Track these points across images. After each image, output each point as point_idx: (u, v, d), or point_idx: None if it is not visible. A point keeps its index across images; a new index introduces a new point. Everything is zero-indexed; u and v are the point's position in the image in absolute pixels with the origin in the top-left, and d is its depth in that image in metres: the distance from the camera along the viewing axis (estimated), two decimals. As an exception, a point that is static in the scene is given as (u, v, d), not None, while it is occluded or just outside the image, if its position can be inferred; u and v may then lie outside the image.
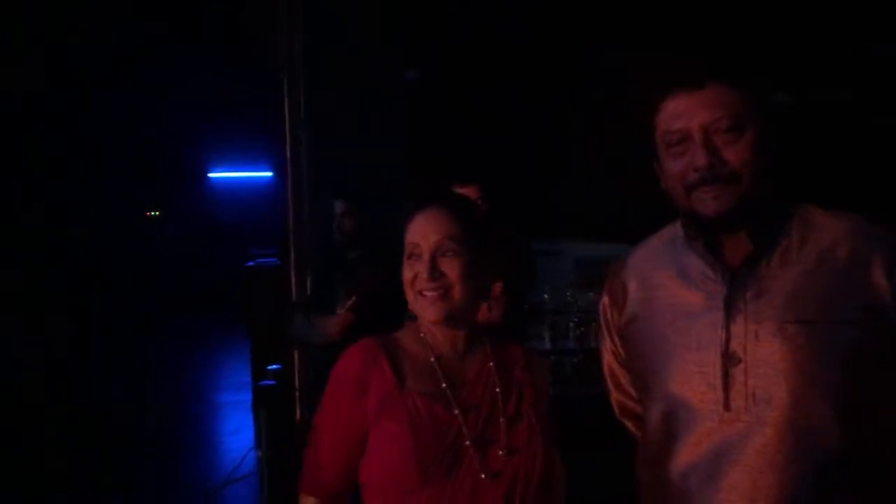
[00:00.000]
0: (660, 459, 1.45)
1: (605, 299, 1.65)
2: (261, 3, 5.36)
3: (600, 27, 5.61)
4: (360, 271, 3.56)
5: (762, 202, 1.40)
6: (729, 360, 1.37)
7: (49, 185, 12.15)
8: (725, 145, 1.38)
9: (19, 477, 5.19)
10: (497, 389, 1.58)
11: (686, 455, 1.40)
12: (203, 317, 12.39)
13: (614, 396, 1.69)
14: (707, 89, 1.39)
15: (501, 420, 1.56)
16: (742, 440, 1.34)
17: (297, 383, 4.58)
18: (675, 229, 1.55)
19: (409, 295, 1.59)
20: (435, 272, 1.54)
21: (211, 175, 15.82)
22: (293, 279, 4.70)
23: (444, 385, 1.56)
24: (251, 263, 7.06)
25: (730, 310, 1.39)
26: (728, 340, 1.38)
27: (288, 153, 4.71)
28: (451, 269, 1.55)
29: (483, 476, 1.49)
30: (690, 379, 1.41)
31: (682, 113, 1.40)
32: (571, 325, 3.73)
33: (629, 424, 1.68)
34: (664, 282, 1.51)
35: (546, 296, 3.80)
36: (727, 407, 1.36)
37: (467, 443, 1.51)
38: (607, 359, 1.68)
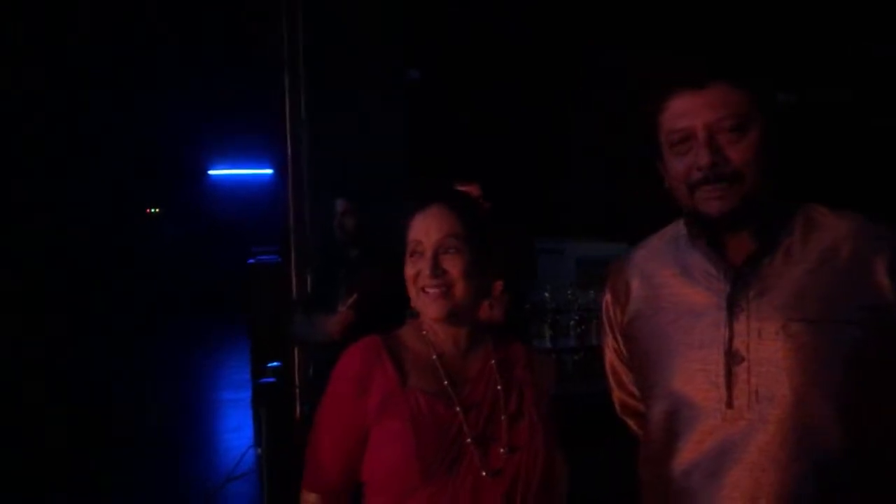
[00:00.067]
0: (662, 457, 1.45)
1: (608, 297, 1.65)
2: (262, 2, 5.37)
3: (600, 27, 5.61)
4: (361, 270, 3.56)
5: (765, 201, 1.40)
6: (732, 358, 1.38)
7: (49, 185, 12.15)
8: (729, 144, 1.38)
9: (19, 477, 5.19)
10: (499, 387, 1.59)
11: (688, 453, 1.40)
12: (203, 315, 12.41)
13: (616, 394, 1.69)
14: (711, 89, 1.39)
15: (503, 418, 1.56)
16: (744, 438, 1.35)
17: (296, 381, 4.58)
18: (677, 228, 1.55)
19: (412, 292, 1.59)
20: (437, 269, 1.55)
21: (211, 173, 15.81)
22: (294, 277, 4.71)
23: (445, 383, 1.56)
24: (252, 261, 7.06)
25: (733, 308, 1.39)
26: (731, 339, 1.38)
27: (289, 152, 4.71)
28: (454, 266, 1.55)
29: (484, 474, 1.49)
30: (693, 377, 1.41)
31: (686, 112, 1.41)
32: (572, 323, 3.75)
33: (630, 422, 1.68)
34: (667, 280, 1.51)
35: (547, 294, 3.80)
36: (730, 405, 1.37)
37: (468, 440, 1.51)
38: (609, 356, 1.68)
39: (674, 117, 1.43)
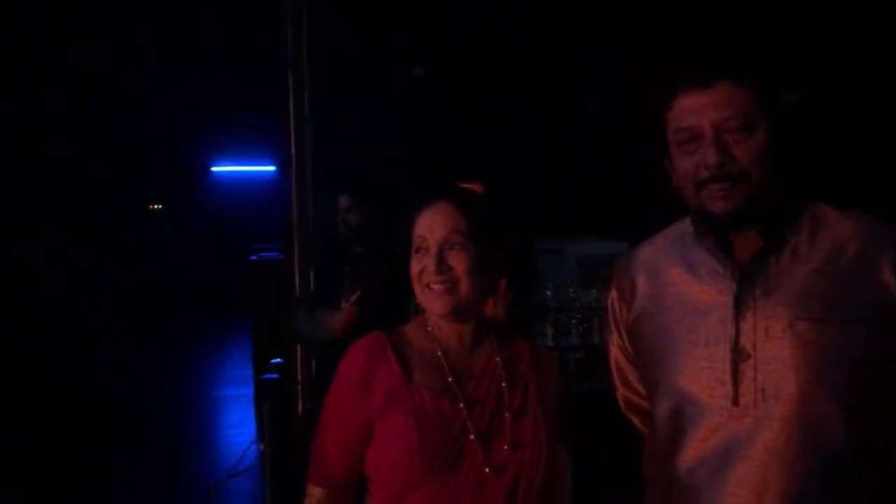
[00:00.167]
0: (667, 455, 1.45)
1: (613, 294, 1.65)
2: (265, 1, 5.37)
3: (600, 27, 5.62)
4: (365, 267, 3.56)
5: (771, 200, 1.41)
6: (738, 355, 1.38)
7: (49, 185, 12.14)
8: (736, 144, 1.38)
9: (19, 477, 5.18)
10: (503, 384, 1.59)
11: (693, 450, 1.41)
12: (205, 312, 12.40)
13: (620, 392, 1.69)
14: (718, 88, 1.40)
15: (507, 415, 1.56)
16: (750, 436, 1.35)
17: (299, 377, 4.59)
18: (683, 226, 1.55)
19: (417, 288, 1.59)
20: (442, 266, 1.55)
21: (213, 169, 15.79)
22: (296, 274, 4.71)
23: (450, 379, 1.56)
24: (254, 258, 7.06)
25: (739, 306, 1.40)
26: (737, 336, 1.39)
27: (293, 150, 4.72)
28: (458, 262, 1.55)
29: (487, 470, 1.50)
30: (699, 375, 1.42)
31: (693, 111, 1.41)
32: (574, 321, 3.75)
33: (635, 420, 1.68)
34: (673, 278, 1.51)
35: (549, 293, 3.81)
36: (736, 402, 1.37)
37: (472, 437, 1.51)
38: (614, 353, 1.68)
39: (681, 116, 1.43)
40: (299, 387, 4.52)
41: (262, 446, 4.97)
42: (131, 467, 5.61)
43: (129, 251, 14.23)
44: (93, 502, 5.01)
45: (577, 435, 1.78)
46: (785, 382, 1.34)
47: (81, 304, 11.45)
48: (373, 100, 4.73)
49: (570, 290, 3.84)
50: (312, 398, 4.32)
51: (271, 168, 14.19)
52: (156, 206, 16.15)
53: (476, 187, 2.76)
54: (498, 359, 1.62)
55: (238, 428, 6.39)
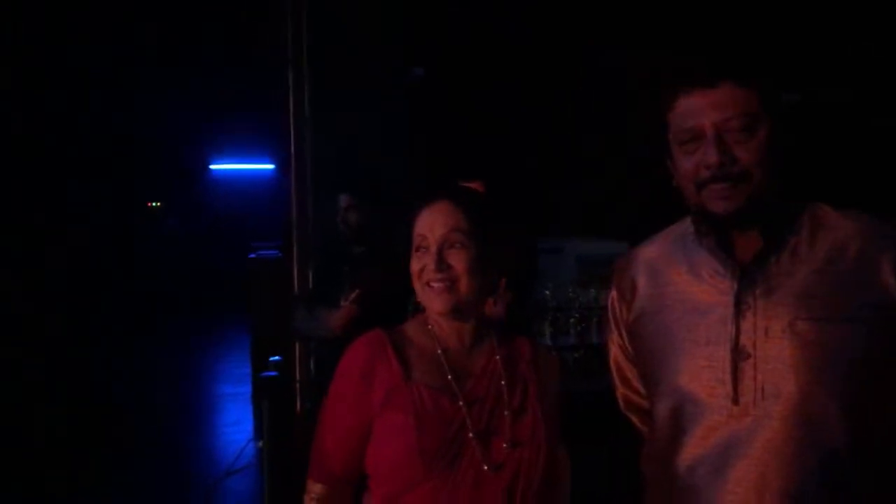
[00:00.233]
0: (667, 454, 1.46)
1: (614, 294, 1.65)
2: (266, 1, 5.38)
3: (600, 27, 5.62)
4: (364, 267, 3.55)
5: (771, 200, 1.41)
6: (738, 355, 1.38)
7: (49, 185, 12.14)
8: (737, 144, 1.38)
9: (19, 477, 5.18)
10: (502, 382, 1.59)
11: (693, 449, 1.41)
12: (203, 310, 12.40)
13: (619, 391, 1.69)
14: (720, 88, 1.40)
15: (506, 413, 1.56)
16: (750, 434, 1.35)
17: (297, 376, 4.59)
18: (684, 226, 1.56)
19: (417, 286, 1.60)
20: (442, 264, 1.55)
21: (212, 167, 15.79)
22: (295, 273, 4.71)
23: (449, 377, 1.57)
24: (253, 256, 7.07)
25: (740, 306, 1.40)
26: (738, 336, 1.39)
27: (293, 149, 4.72)
28: (458, 261, 1.56)
29: (486, 468, 1.50)
30: (700, 374, 1.42)
31: (695, 111, 1.41)
32: (572, 321, 3.75)
33: (634, 418, 1.68)
34: (674, 277, 1.52)
35: (548, 293, 3.81)
36: (736, 401, 1.37)
37: (471, 435, 1.51)
38: (614, 353, 1.68)
39: (682, 116, 1.43)
40: (298, 385, 4.52)
41: (259, 444, 4.98)
42: (129, 465, 5.61)
43: (127, 249, 14.22)
44: (91, 501, 5.01)
45: (575, 434, 1.78)
46: (785, 382, 1.34)
47: (80, 304, 11.45)
48: (373, 99, 4.73)
49: (569, 290, 3.84)
50: (311, 396, 4.32)
51: (270, 166, 14.19)
52: (154, 204, 16.16)
53: (477, 186, 2.76)
54: (498, 357, 1.62)
55: (236, 426, 6.40)
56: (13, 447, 5.66)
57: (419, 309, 1.65)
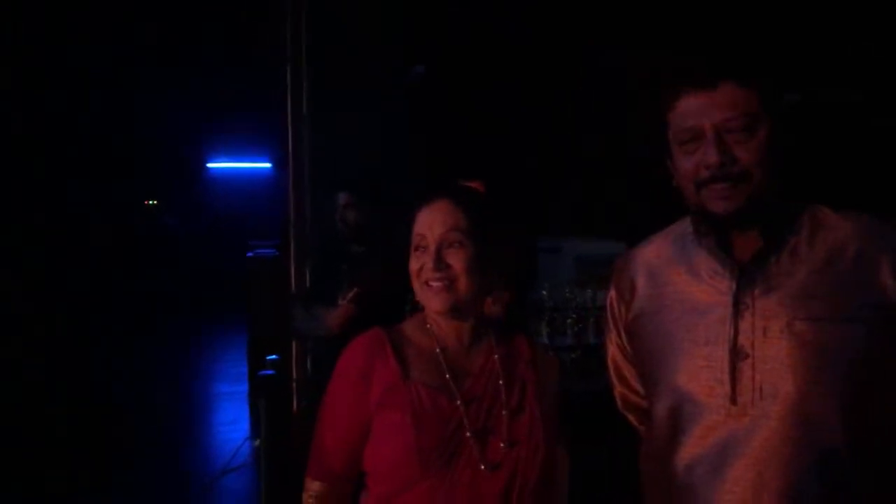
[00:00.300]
0: (665, 453, 1.46)
1: (613, 294, 1.66)
2: (264, 1, 5.37)
3: (600, 27, 5.61)
4: (363, 266, 3.55)
5: (771, 201, 1.41)
6: (737, 355, 1.39)
7: (49, 185, 12.15)
8: (737, 144, 1.38)
9: (19, 477, 5.18)
10: (500, 382, 1.59)
11: (691, 448, 1.41)
12: (199, 309, 12.40)
13: (617, 390, 1.70)
14: (721, 88, 1.40)
15: (504, 413, 1.56)
16: (748, 434, 1.35)
17: (294, 374, 4.59)
18: (683, 226, 1.56)
19: (416, 285, 1.60)
20: (440, 263, 1.56)
21: (210, 166, 15.79)
22: (292, 272, 4.70)
23: (447, 376, 1.57)
24: (251, 255, 7.07)
25: (738, 306, 1.40)
26: (736, 336, 1.39)
27: (290, 148, 4.71)
28: (457, 260, 1.56)
29: (483, 467, 1.50)
30: (698, 374, 1.42)
31: (696, 112, 1.41)
32: (569, 321, 3.74)
33: (631, 417, 1.69)
34: (673, 277, 1.52)
35: (545, 293, 3.80)
36: (734, 401, 1.37)
37: (468, 434, 1.52)
38: (612, 352, 1.69)
39: (683, 116, 1.43)
40: (294, 384, 4.52)
41: (255, 443, 4.98)
42: (128, 465, 5.61)
43: (126, 248, 14.22)
44: (88, 500, 5.01)
45: (572, 434, 1.78)
46: (783, 381, 1.34)
47: (80, 303, 11.46)
48: (372, 99, 4.73)
49: (567, 291, 3.83)
50: (308, 395, 4.31)
51: (267, 165, 14.19)
52: (150, 203, 16.18)
53: (477, 186, 2.75)
54: (496, 356, 1.62)
55: (232, 425, 6.40)
56: (13, 447, 5.66)
57: (416, 308, 1.65)
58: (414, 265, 1.59)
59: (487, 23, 5.59)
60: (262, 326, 6.16)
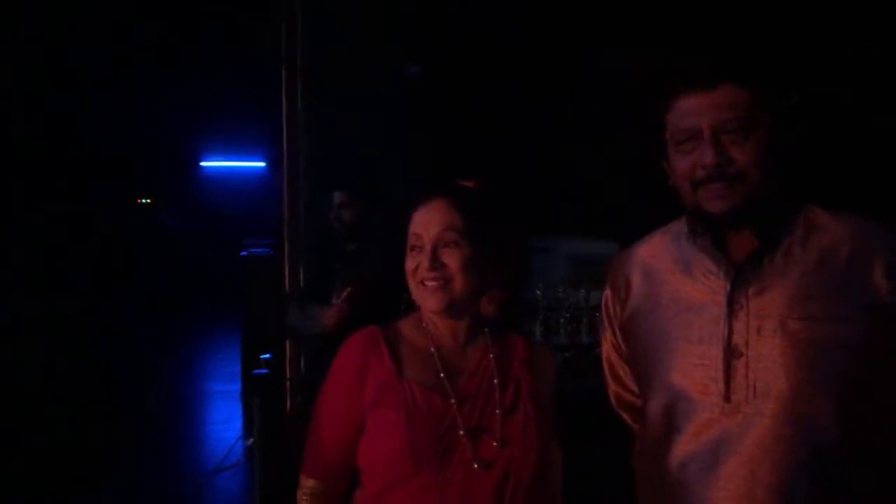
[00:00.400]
0: (659, 450, 1.47)
1: (608, 292, 1.66)
2: (262, 1, 5.38)
3: (600, 27, 5.61)
4: (358, 264, 3.55)
5: (767, 201, 1.41)
6: (731, 353, 1.39)
7: (49, 185, 12.16)
8: (733, 144, 1.39)
9: (19, 477, 5.18)
10: (495, 381, 1.59)
11: (685, 446, 1.42)
12: (192, 307, 12.41)
13: (612, 388, 1.71)
14: (720, 89, 1.40)
15: (497, 412, 1.56)
16: (741, 432, 1.36)
17: (288, 373, 4.58)
18: (679, 225, 1.57)
19: (412, 284, 1.61)
20: (436, 263, 1.56)
21: (203, 164, 15.79)
22: (287, 271, 4.70)
23: (441, 375, 1.57)
24: (244, 253, 7.06)
25: (732, 305, 1.41)
26: (730, 335, 1.40)
27: (285, 147, 4.71)
28: (452, 260, 1.56)
29: (475, 466, 1.50)
30: (692, 372, 1.43)
31: (693, 112, 1.42)
32: (563, 321, 3.73)
33: (625, 416, 1.70)
34: (668, 276, 1.53)
35: (538, 292, 3.79)
36: (727, 399, 1.38)
37: (461, 432, 1.52)
38: (606, 351, 1.69)
39: (680, 117, 1.44)
40: (288, 383, 4.52)
41: (248, 442, 4.98)
42: (119, 462, 5.61)
43: (120, 244, 14.22)
44: (85, 499, 5.01)
45: (566, 434, 1.78)
46: (776, 380, 1.35)
47: (80, 303, 11.46)
48: (371, 99, 4.72)
49: (560, 290, 3.83)
50: (302, 394, 4.31)
51: (261, 164, 14.19)
52: (144, 201, 16.18)
53: (474, 185, 2.74)
54: (491, 356, 1.62)
55: (225, 424, 6.40)
56: (13, 447, 5.66)
57: (411, 307, 1.65)
58: (410, 264, 1.60)
59: (487, 23, 5.59)
60: (255, 325, 6.15)
